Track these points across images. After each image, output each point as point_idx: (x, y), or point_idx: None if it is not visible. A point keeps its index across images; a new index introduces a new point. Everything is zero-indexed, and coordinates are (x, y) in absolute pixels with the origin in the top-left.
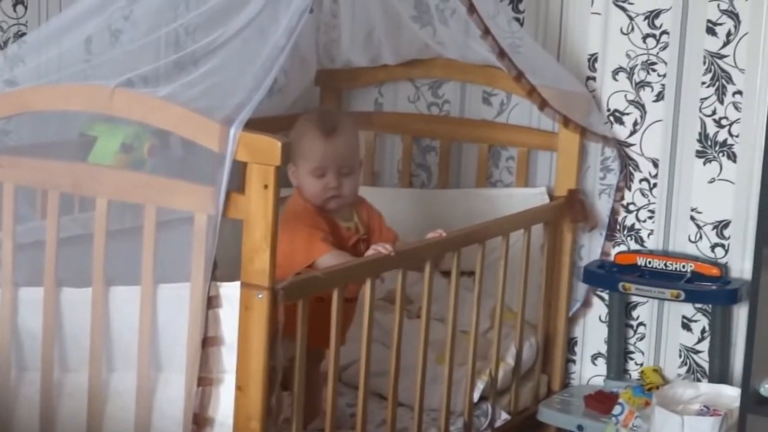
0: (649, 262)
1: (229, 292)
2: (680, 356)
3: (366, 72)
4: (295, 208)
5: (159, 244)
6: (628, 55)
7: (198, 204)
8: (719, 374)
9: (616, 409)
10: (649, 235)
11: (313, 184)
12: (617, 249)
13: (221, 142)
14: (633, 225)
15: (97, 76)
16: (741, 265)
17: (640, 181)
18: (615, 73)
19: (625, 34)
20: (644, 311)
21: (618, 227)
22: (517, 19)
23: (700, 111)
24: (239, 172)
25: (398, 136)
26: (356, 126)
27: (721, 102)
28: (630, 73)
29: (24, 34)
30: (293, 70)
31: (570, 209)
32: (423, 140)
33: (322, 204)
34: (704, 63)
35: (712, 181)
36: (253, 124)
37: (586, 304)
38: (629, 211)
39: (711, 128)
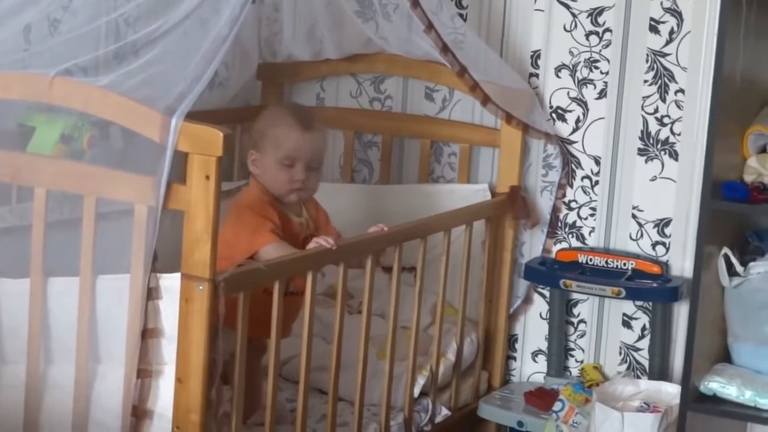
0: (591, 260)
1: (170, 283)
2: (620, 353)
3: (308, 66)
4: (249, 198)
5: (98, 235)
6: (571, 53)
7: (138, 195)
8: (659, 371)
9: (557, 406)
10: (590, 232)
11: (280, 173)
12: (558, 246)
13: (162, 132)
14: (574, 222)
15: (36, 65)
16: (682, 263)
17: (582, 178)
18: (558, 70)
19: (568, 31)
20: (585, 308)
21: (559, 224)
22: (461, 15)
23: (643, 109)
24: (180, 162)
25: (340, 131)
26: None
27: (664, 100)
28: (573, 71)
29: None
30: (235, 64)
31: (512, 206)
32: (365, 135)
33: (283, 195)
34: (647, 61)
35: (653, 179)
36: (194, 117)
37: (527, 300)
38: (571, 209)
39: (653, 126)
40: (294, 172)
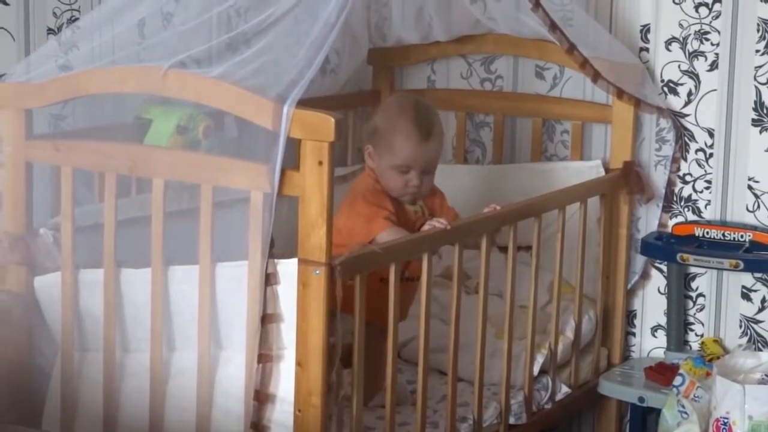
0: (707, 233)
1: (287, 269)
2: (740, 326)
3: (418, 49)
4: (363, 186)
5: (216, 224)
6: (680, 25)
7: (253, 182)
8: None
9: (677, 380)
10: (706, 205)
11: (394, 178)
12: (674, 220)
13: (275, 120)
14: (690, 196)
15: (151, 59)
16: None
17: (696, 151)
18: (668, 43)
19: (677, 3)
20: (703, 282)
21: (675, 198)
22: None
23: (755, 79)
24: (294, 149)
25: (452, 112)
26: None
27: None
28: (683, 43)
29: (77, 19)
30: (345, 50)
31: (626, 181)
32: (477, 116)
33: (397, 196)
34: (758, 31)
35: None
36: (306, 103)
37: (645, 276)
38: (686, 182)
39: (766, 96)
40: (409, 179)
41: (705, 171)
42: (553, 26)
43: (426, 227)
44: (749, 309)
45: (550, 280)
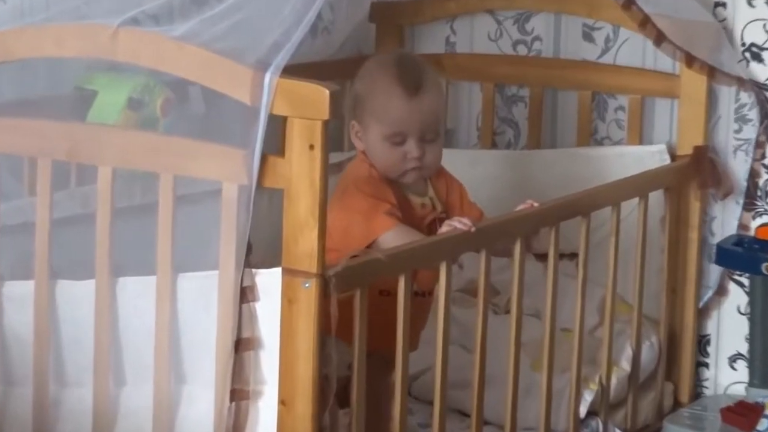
0: None
1: (268, 281)
2: None
3: (433, 3)
4: (356, 175)
5: (178, 223)
6: None
7: (226, 171)
8: None
9: (762, 424)
10: None
11: (389, 152)
12: (759, 221)
13: (254, 92)
14: None
15: (96, 14)
16: None
17: None
18: None
19: None
20: None
21: (759, 193)
22: None
23: None
24: (278, 129)
25: (477, 84)
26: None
27: None
28: None
29: None
30: (342, 3)
31: (697, 171)
32: (508, 88)
33: (397, 176)
34: None
35: None
36: (293, 71)
37: (721, 291)
38: None
39: None
40: (407, 149)
41: None
42: None
43: (444, 228)
44: None
45: (600, 296)
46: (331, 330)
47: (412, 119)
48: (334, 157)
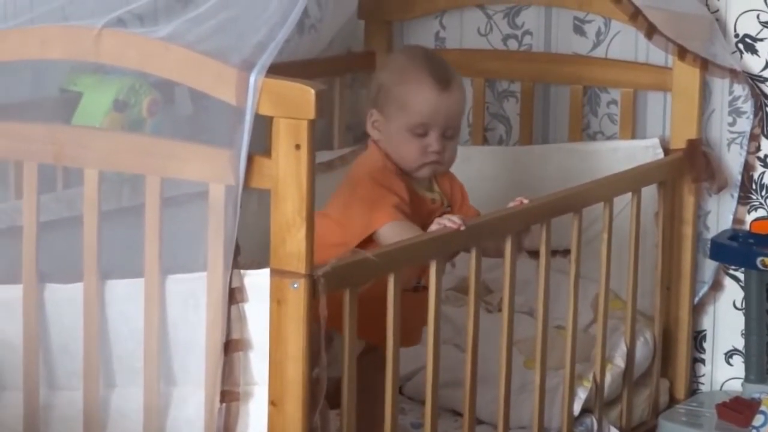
0: None
1: (256, 282)
2: None
3: None
4: (371, 164)
5: (165, 225)
6: None
7: (213, 172)
8: None
9: (758, 420)
10: None
11: (410, 143)
12: (754, 215)
13: (239, 92)
14: None
15: (80, 16)
16: None
17: None
18: None
19: None
20: None
21: (754, 186)
22: None
23: None
24: (264, 129)
25: (467, 79)
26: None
27: None
28: None
29: None
30: (329, 1)
31: (691, 165)
32: (499, 83)
33: (413, 169)
34: None
35: None
36: (280, 70)
37: (716, 286)
38: (767, 166)
39: None
40: (428, 142)
41: None
42: None
43: (434, 227)
44: None
45: (594, 292)
46: (322, 330)
47: (439, 113)
48: (322, 156)
